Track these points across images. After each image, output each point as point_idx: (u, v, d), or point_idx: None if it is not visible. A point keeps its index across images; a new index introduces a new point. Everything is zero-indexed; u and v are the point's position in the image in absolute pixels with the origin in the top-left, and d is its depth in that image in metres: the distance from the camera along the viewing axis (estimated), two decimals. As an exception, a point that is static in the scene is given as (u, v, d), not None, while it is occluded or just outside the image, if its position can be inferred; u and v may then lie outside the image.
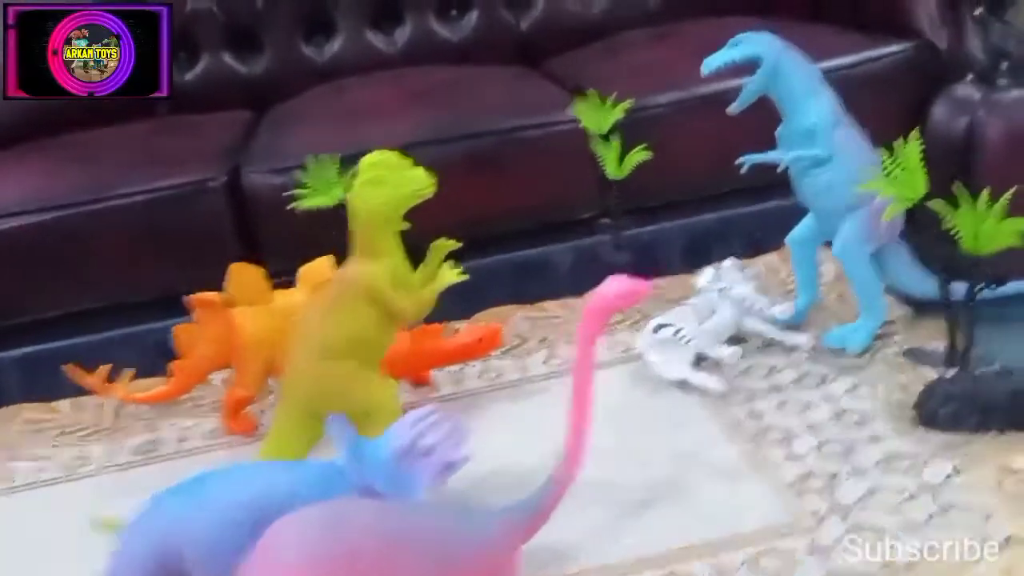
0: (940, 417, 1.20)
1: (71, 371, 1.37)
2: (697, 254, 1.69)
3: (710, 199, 1.76)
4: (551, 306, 1.65)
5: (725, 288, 1.45)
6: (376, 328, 1.19)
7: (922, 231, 1.35)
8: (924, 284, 1.39)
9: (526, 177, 1.70)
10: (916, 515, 1.07)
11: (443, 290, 1.23)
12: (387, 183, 1.16)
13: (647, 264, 1.72)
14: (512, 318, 1.62)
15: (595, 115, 1.63)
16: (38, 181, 1.68)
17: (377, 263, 1.18)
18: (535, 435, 1.12)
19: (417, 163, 1.62)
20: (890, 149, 1.26)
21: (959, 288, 1.29)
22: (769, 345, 1.45)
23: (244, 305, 1.37)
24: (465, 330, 1.50)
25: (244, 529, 0.90)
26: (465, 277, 1.25)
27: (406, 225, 1.20)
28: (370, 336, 1.19)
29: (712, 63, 1.36)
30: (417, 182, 1.17)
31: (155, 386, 1.43)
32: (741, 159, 1.39)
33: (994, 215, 1.21)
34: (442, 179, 1.66)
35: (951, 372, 1.31)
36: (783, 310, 1.47)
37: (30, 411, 1.54)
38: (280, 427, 1.21)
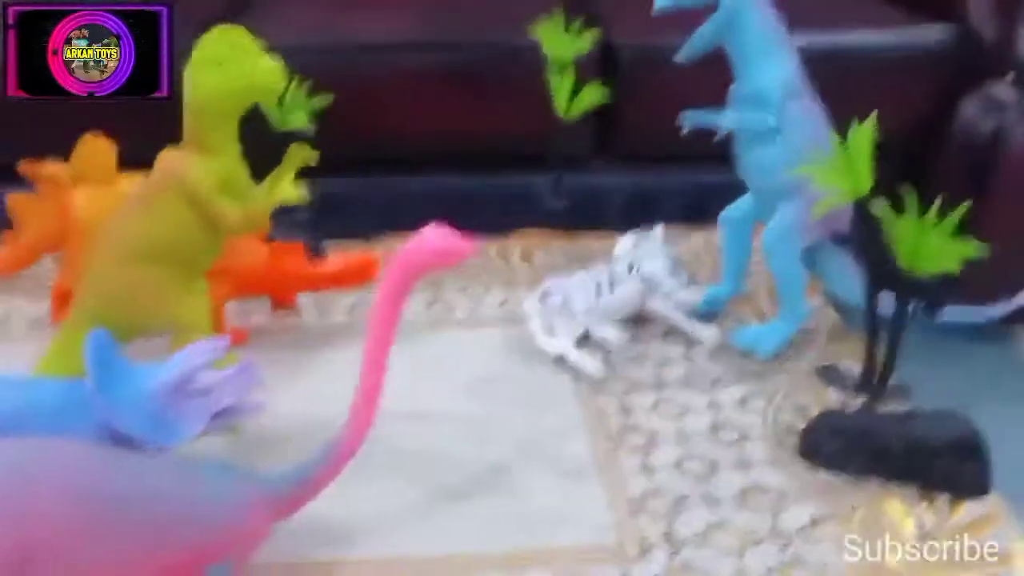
0: (823, 452, 1.03)
1: None
2: (681, 213, 1.53)
3: (711, 158, 1.53)
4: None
5: (636, 261, 1.28)
6: (193, 234, 1.00)
7: (866, 231, 1.16)
8: (858, 292, 1.20)
9: (515, 100, 1.54)
10: (754, 565, 0.91)
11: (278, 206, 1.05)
12: (226, 66, 0.96)
13: (611, 214, 1.58)
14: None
15: (559, 41, 1.45)
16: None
17: (206, 160, 0.99)
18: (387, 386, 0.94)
19: (402, 67, 1.46)
20: (843, 135, 1.07)
21: (889, 303, 1.11)
22: (673, 333, 1.28)
23: (87, 184, 1.21)
24: (341, 255, 1.34)
25: None
26: (304, 198, 1.07)
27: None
28: (184, 243, 1.01)
29: (664, 1, 1.18)
30: (263, 75, 0.97)
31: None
32: (683, 116, 1.21)
33: (941, 232, 1.03)
34: (425, 87, 1.52)
35: (860, 400, 1.15)
36: (693, 294, 1.29)
37: None
38: (64, 337, 1.03)
